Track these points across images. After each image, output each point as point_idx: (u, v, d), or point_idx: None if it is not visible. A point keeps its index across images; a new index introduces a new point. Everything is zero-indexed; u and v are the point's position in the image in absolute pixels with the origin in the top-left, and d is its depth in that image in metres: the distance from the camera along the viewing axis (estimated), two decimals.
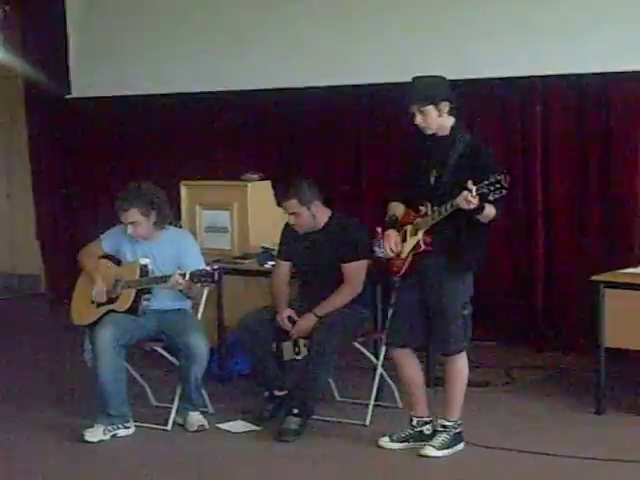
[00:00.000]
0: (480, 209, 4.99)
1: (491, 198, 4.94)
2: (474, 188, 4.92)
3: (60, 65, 9.36)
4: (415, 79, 5.26)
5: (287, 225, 6.14)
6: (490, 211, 5.04)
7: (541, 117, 7.33)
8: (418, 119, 5.21)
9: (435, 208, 5.14)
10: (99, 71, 9.13)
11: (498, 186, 4.89)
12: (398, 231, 5.33)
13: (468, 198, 4.93)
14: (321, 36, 7.93)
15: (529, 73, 7.18)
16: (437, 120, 5.21)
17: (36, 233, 10.20)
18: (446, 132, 5.24)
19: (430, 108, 5.19)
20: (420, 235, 5.21)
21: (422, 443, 5.38)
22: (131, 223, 5.90)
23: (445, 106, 5.20)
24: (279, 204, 7.12)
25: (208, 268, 5.68)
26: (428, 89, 5.21)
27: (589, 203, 7.21)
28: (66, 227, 9.82)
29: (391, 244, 5.32)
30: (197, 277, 5.65)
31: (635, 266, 6.23)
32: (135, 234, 5.93)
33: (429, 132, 5.24)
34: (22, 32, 9.84)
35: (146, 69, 8.82)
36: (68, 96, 9.40)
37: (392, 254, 5.33)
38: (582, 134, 7.20)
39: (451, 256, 5.19)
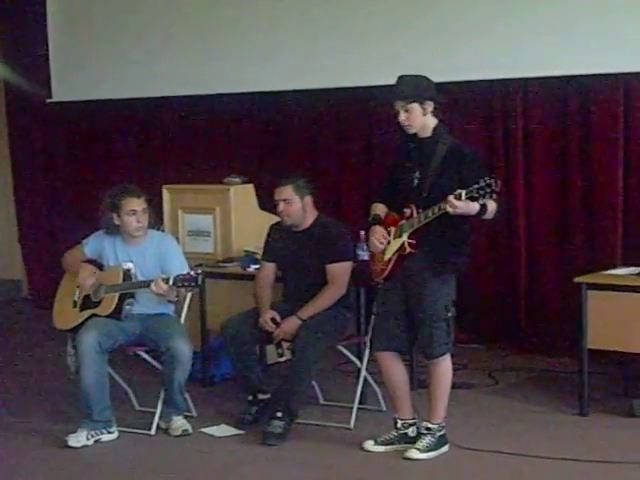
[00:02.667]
0: (483, 211, 5.01)
1: (481, 202, 4.96)
2: (463, 192, 4.93)
3: (41, 69, 9.33)
4: (401, 77, 5.27)
5: (272, 227, 6.14)
6: (492, 207, 5.07)
7: (523, 119, 7.34)
8: (402, 117, 5.22)
9: (420, 211, 5.14)
10: (80, 75, 9.11)
11: (488, 190, 4.90)
12: (385, 229, 5.32)
13: (452, 204, 4.93)
14: (303, 40, 7.94)
15: (511, 75, 7.20)
16: (421, 119, 5.22)
17: (18, 237, 10.16)
18: (428, 133, 5.25)
19: (415, 106, 5.19)
20: (404, 237, 5.21)
21: (407, 445, 5.38)
22: (139, 222, 5.90)
23: (429, 106, 5.21)
24: (262, 207, 7.17)
25: (192, 272, 5.67)
26: (414, 87, 5.21)
27: (571, 205, 7.23)
28: (48, 232, 9.79)
29: (378, 237, 5.31)
30: (180, 281, 5.64)
31: (617, 267, 6.27)
32: (142, 231, 5.91)
33: (412, 131, 5.25)
34: (2, 36, 9.81)
35: (127, 73, 8.80)
36: (49, 100, 9.38)
37: (381, 246, 5.31)
38: (563, 136, 7.22)
39: (435, 258, 5.19)
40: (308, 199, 5.93)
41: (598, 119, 7.07)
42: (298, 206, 5.91)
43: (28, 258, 10.13)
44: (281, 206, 5.93)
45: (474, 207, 5.01)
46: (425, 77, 5.27)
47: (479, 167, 5.18)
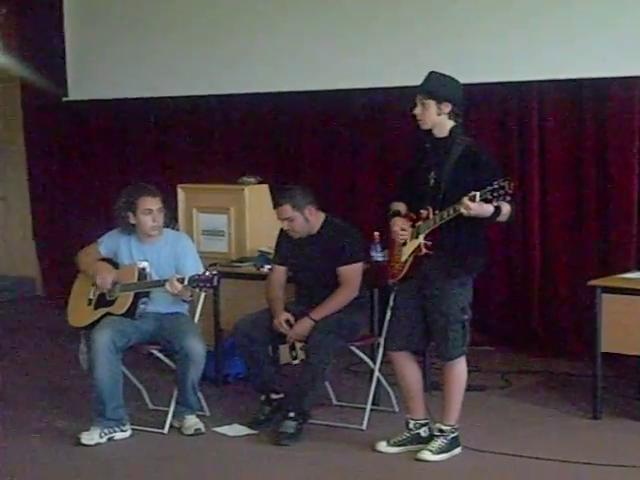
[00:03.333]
0: (497, 213, 5.01)
1: (495, 204, 4.96)
2: (477, 194, 4.92)
3: (57, 67, 9.35)
4: (431, 73, 5.27)
5: (283, 230, 6.12)
6: (506, 209, 5.06)
7: (538, 121, 7.34)
8: (417, 109, 5.23)
9: (436, 212, 5.14)
10: (96, 74, 9.13)
11: (502, 192, 4.90)
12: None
13: (466, 206, 4.93)
14: (321, 41, 7.94)
15: (526, 78, 7.19)
16: (434, 118, 5.22)
17: (32, 235, 10.19)
18: (445, 134, 5.25)
19: (431, 103, 5.19)
20: (421, 239, 5.21)
21: (419, 446, 5.39)
22: (155, 221, 5.91)
23: (447, 107, 5.20)
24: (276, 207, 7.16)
25: (207, 273, 5.67)
26: (436, 85, 5.21)
27: (586, 208, 7.22)
28: (62, 230, 9.81)
29: (399, 226, 5.29)
30: (196, 282, 5.65)
31: (632, 271, 6.25)
32: (157, 230, 5.93)
33: (424, 126, 5.25)
34: (20, 34, 9.84)
35: (142, 72, 8.82)
36: (65, 99, 9.40)
37: (405, 234, 5.29)
38: (579, 140, 7.21)
39: (452, 260, 5.19)
40: (309, 209, 5.90)
41: (613, 122, 7.06)
42: (301, 220, 5.90)
43: (42, 256, 10.16)
44: (285, 224, 5.94)
45: (488, 209, 5.01)
46: (454, 79, 5.27)
47: (494, 169, 5.17)
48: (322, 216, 5.99)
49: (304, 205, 5.89)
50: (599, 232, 7.19)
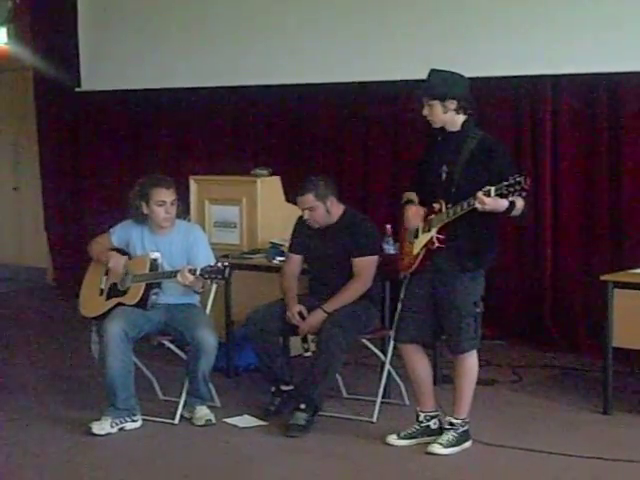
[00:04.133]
0: (511, 207, 5.00)
1: (510, 199, 4.95)
2: (493, 189, 4.92)
3: (70, 58, 9.36)
4: (432, 72, 5.26)
5: (300, 219, 6.13)
6: (519, 204, 5.06)
7: (551, 116, 7.32)
8: (425, 111, 5.24)
9: (449, 206, 5.13)
10: (109, 64, 9.14)
11: (518, 187, 4.88)
12: None
13: (481, 201, 4.93)
14: (332, 32, 7.92)
15: (540, 72, 7.17)
16: (442, 116, 5.22)
17: (44, 225, 10.21)
18: (457, 128, 5.24)
19: (436, 103, 5.19)
20: (433, 232, 5.21)
21: (430, 438, 5.39)
22: (168, 212, 5.93)
23: (452, 104, 5.19)
24: (288, 200, 7.17)
25: (219, 264, 5.67)
26: (438, 85, 5.20)
27: (599, 202, 7.21)
28: (74, 220, 9.84)
29: (413, 212, 5.29)
30: (207, 273, 5.65)
31: None
32: (170, 222, 5.94)
33: (435, 125, 5.25)
34: (32, 24, 9.86)
35: (156, 63, 8.81)
36: (78, 89, 9.40)
37: (417, 220, 5.27)
38: (592, 134, 7.20)
39: (464, 254, 5.19)
40: (331, 200, 5.92)
41: (627, 117, 7.04)
42: (322, 211, 5.91)
43: (53, 246, 10.18)
44: (306, 214, 5.95)
45: (503, 204, 5.00)
46: (457, 74, 5.25)
47: (508, 163, 5.17)
48: (342, 208, 5.99)
49: (326, 196, 5.90)
50: (611, 227, 7.18)
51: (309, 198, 5.90)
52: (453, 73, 5.26)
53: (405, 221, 5.37)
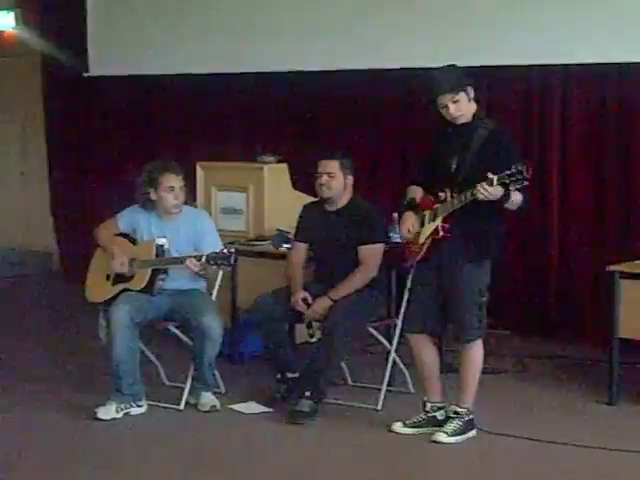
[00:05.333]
0: (506, 197, 4.98)
1: (512, 188, 4.94)
2: (495, 178, 4.91)
3: (78, 43, 9.35)
4: (437, 72, 5.26)
5: (305, 207, 6.15)
6: (516, 197, 5.04)
7: (560, 106, 7.31)
8: (452, 109, 5.19)
9: (455, 195, 5.13)
10: (117, 50, 9.14)
11: (519, 177, 4.88)
12: (416, 214, 5.33)
13: (482, 190, 4.92)
14: (340, 19, 7.91)
15: (549, 61, 7.15)
16: (467, 106, 5.21)
17: (50, 210, 10.22)
18: (468, 119, 5.23)
19: (462, 95, 5.18)
20: (439, 221, 5.21)
21: (435, 428, 5.39)
22: (176, 199, 5.92)
23: (471, 91, 5.21)
24: (295, 187, 7.17)
25: (225, 251, 5.66)
26: (455, 78, 5.21)
27: (607, 192, 7.20)
28: (81, 205, 9.84)
29: (408, 226, 5.32)
30: (213, 260, 5.65)
31: None
32: (178, 208, 5.94)
33: (461, 121, 5.22)
34: (40, 10, 9.84)
35: (164, 49, 8.80)
36: (86, 74, 9.40)
37: (409, 236, 5.32)
38: (601, 123, 7.18)
39: (470, 243, 5.19)
40: (350, 179, 5.95)
41: (637, 107, 7.02)
42: (340, 182, 5.91)
43: (60, 231, 10.19)
44: (324, 178, 5.93)
45: (498, 192, 4.98)
46: (454, 65, 5.27)
47: (513, 153, 5.15)
48: (351, 194, 5.99)
49: (349, 171, 5.94)
50: (619, 218, 7.16)
51: (334, 164, 5.91)
52: (452, 65, 5.27)
53: (400, 231, 5.39)
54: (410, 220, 5.34)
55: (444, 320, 5.40)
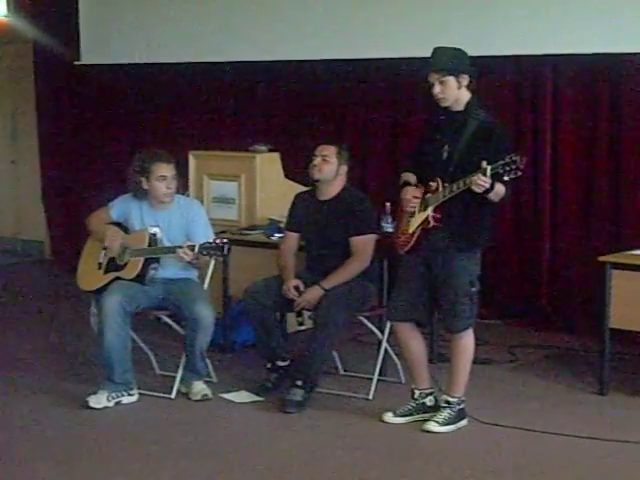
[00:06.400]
0: (491, 188, 4.99)
1: (506, 178, 4.94)
2: (489, 168, 4.91)
3: (70, 31, 9.32)
4: (437, 49, 5.22)
5: (297, 196, 6.15)
6: (500, 189, 5.04)
7: (552, 96, 7.31)
8: (436, 89, 5.17)
9: (446, 185, 5.13)
10: (109, 38, 9.10)
11: (513, 167, 4.88)
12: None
13: (479, 182, 4.92)
14: (333, 9, 7.89)
15: (541, 52, 7.14)
16: (455, 92, 5.18)
17: (42, 199, 10.20)
18: (461, 107, 5.22)
19: (450, 79, 5.15)
20: (429, 211, 5.20)
21: (425, 415, 5.42)
22: (169, 187, 5.93)
23: (464, 79, 5.18)
24: (287, 176, 7.18)
25: (218, 241, 5.66)
26: (450, 59, 5.17)
27: (598, 183, 7.20)
28: (72, 193, 9.83)
29: (410, 196, 5.28)
30: (206, 250, 5.65)
31: None
32: (171, 197, 5.94)
33: (444, 104, 5.21)
34: None
35: (156, 37, 8.78)
36: (77, 62, 9.37)
37: (415, 203, 5.28)
38: (593, 114, 7.18)
39: (460, 233, 5.19)
40: (344, 168, 5.95)
41: (628, 98, 7.03)
42: (333, 167, 5.91)
43: (51, 220, 10.18)
44: (317, 160, 5.93)
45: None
46: (461, 49, 5.23)
47: (508, 144, 5.15)
48: (343, 184, 6.00)
49: (345, 160, 5.95)
50: (610, 208, 7.17)
51: (331, 149, 5.93)
52: (459, 49, 5.23)
53: (402, 204, 5.37)
54: (412, 191, 5.28)
55: (431, 309, 5.41)
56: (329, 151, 5.92)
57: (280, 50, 8.07)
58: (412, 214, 5.32)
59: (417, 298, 5.36)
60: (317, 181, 5.96)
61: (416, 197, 5.28)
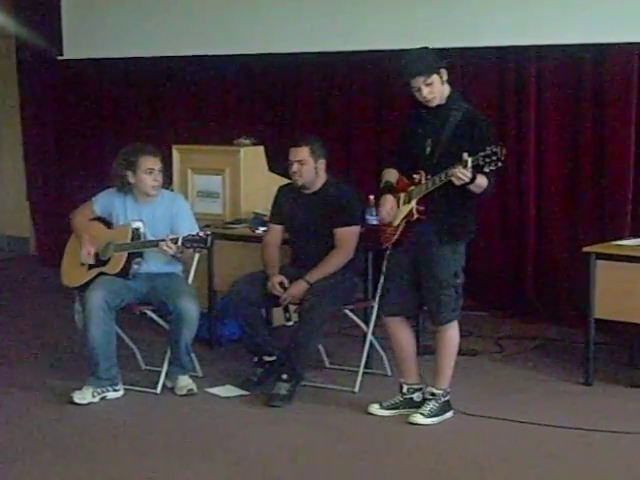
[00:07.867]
0: (472, 179, 4.98)
1: (486, 170, 4.94)
2: (469, 159, 4.91)
3: (53, 26, 9.28)
4: (409, 54, 5.23)
5: (281, 188, 6.14)
6: (482, 181, 5.03)
7: (535, 87, 7.31)
8: (425, 92, 5.16)
9: (429, 177, 5.13)
10: (92, 33, 9.06)
11: (494, 158, 4.88)
12: (394, 197, 5.33)
13: (459, 174, 4.92)
14: (315, 1, 7.88)
15: (524, 42, 7.14)
16: (441, 89, 5.19)
17: (26, 195, 10.16)
18: (443, 101, 5.22)
19: (435, 77, 5.15)
20: (413, 203, 5.20)
21: (412, 410, 5.41)
22: (156, 180, 5.91)
23: (444, 73, 5.19)
24: (272, 169, 7.16)
25: (201, 233, 5.66)
26: (428, 60, 5.17)
27: (582, 174, 7.20)
28: (57, 189, 9.79)
29: (387, 209, 5.31)
30: (189, 242, 5.64)
31: (627, 238, 6.26)
32: (157, 190, 5.92)
33: (435, 103, 5.20)
34: None
35: (138, 32, 8.74)
36: (60, 57, 9.33)
37: (389, 219, 5.31)
38: (576, 105, 7.18)
39: (444, 225, 5.19)
40: (322, 162, 5.92)
41: (611, 89, 7.03)
42: (311, 168, 5.89)
43: (36, 216, 10.14)
44: (295, 167, 5.91)
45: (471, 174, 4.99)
46: (425, 47, 5.25)
47: (490, 136, 5.14)
48: (325, 177, 5.98)
49: (320, 156, 5.91)
50: (594, 199, 7.18)
51: (304, 151, 5.88)
52: (425, 48, 5.25)
53: (379, 215, 5.37)
54: (390, 202, 5.32)
55: (420, 302, 5.40)
56: (303, 154, 5.88)
57: (263, 43, 8.04)
58: (396, 206, 5.31)
59: (405, 292, 5.36)
60: (302, 187, 5.94)
61: (390, 212, 5.29)
